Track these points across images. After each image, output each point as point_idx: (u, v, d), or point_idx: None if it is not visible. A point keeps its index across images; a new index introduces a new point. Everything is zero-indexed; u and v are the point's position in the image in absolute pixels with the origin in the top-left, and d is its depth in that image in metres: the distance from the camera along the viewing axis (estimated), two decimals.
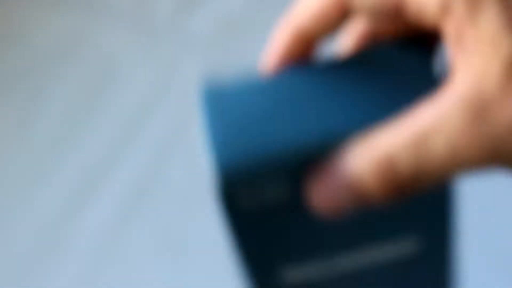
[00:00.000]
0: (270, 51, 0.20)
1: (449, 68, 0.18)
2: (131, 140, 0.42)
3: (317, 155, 0.18)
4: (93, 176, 0.41)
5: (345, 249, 0.21)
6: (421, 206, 0.20)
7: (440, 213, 0.20)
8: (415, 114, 0.17)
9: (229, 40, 0.45)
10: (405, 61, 0.19)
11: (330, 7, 0.19)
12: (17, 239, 0.39)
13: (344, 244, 0.21)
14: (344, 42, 0.21)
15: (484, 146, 0.17)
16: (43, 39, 0.45)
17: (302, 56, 0.20)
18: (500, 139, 0.17)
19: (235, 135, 0.19)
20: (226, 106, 0.19)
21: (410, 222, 0.20)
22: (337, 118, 0.18)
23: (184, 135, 0.42)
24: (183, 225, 0.39)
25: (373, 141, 0.18)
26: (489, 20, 0.17)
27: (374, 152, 0.17)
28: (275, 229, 0.20)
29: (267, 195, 0.19)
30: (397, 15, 0.19)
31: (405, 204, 0.20)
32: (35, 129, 0.42)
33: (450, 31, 0.17)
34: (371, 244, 0.21)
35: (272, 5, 0.46)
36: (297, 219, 0.20)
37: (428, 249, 0.22)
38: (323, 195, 0.18)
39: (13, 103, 0.43)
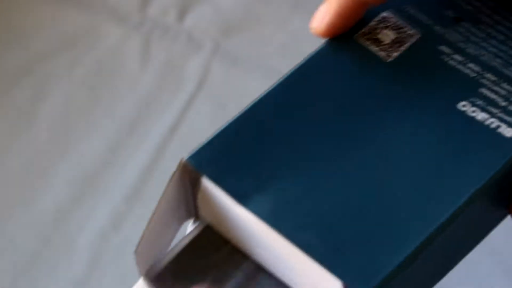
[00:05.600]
0: (325, 10, 0.19)
1: None
2: (131, 140, 0.42)
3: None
4: (93, 176, 0.41)
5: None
6: None
7: None
8: None
9: (230, 40, 0.45)
10: None
11: None
12: (17, 238, 0.39)
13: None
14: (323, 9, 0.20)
15: None
16: (43, 38, 0.45)
17: (354, 21, 0.19)
18: None
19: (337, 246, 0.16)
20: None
21: None
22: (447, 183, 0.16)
23: (185, 135, 0.42)
24: (184, 225, 0.38)
25: None
26: None
27: None
28: None
29: None
30: None
31: None
32: (35, 128, 0.42)
33: None
34: None
35: (274, 4, 0.46)
36: None
37: None
38: None
39: (12, 103, 0.43)
